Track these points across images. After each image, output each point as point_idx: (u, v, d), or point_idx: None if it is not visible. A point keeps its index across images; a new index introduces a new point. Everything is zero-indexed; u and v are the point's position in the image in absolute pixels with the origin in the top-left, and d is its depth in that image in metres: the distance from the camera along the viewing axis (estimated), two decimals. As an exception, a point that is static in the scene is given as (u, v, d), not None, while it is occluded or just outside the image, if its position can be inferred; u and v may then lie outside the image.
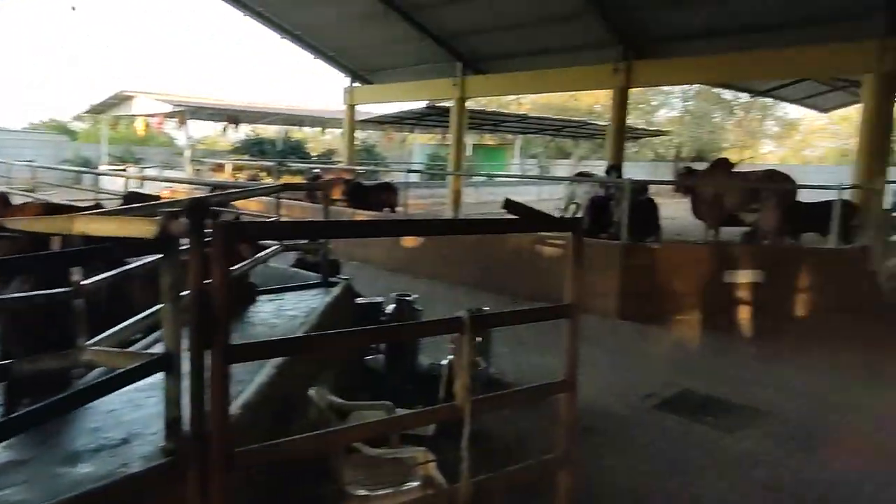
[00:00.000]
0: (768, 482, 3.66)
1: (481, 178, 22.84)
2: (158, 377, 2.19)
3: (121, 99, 23.79)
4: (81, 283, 2.28)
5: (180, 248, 2.03)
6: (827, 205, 8.20)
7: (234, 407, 2.40)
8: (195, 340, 1.92)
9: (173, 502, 1.96)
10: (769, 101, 29.83)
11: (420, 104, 20.12)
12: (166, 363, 2.10)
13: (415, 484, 2.54)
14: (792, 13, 10.44)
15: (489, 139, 31.48)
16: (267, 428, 2.59)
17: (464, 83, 15.78)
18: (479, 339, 4.38)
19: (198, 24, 77.96)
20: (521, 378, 5.23)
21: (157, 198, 7.11)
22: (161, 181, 14.19)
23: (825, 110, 21.79)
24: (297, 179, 19.26)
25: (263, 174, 18.14)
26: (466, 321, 2.44)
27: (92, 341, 2.28)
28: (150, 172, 18.26)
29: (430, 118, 22.15)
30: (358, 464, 2.61)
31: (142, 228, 2.12)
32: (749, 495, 3.54)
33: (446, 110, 17.86)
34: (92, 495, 1.79)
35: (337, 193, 13.59)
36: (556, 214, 13.41)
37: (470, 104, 18.02)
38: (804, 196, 10.27)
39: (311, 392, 2.76)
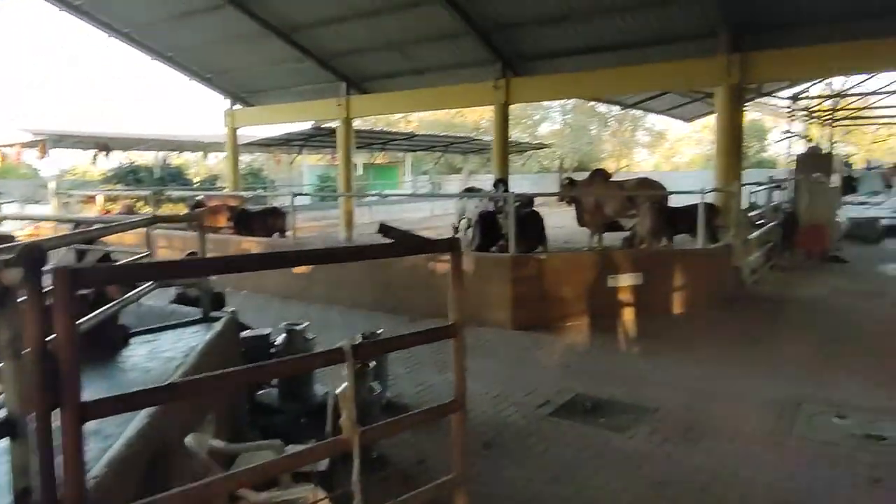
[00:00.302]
0: (657, 477, 3.84)
1: (374, 198, 22.75)
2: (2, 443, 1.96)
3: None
4: None
5: (17, 299, 1.84)
6: (694, 208, 8.86)
7: (99, 467, 2.19)
8: (39, 401, 1.73)
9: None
10: (639, 112, 31.99)
11: (306, 125, 19.78)
12: (10, 429, 1.88)
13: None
14: (651, 32, 11.29)
15: (380, 158, 31.48)
16: (139, 485, 2.38)
17: (348, 103, 15.71)
18: (372, 363, 4.31)
19: (58, 47, 72.52)
20: (420, 398, 5.20)
21: (11, 238, 6.45)
22: (19, 220, 12.95)
23: (688, 120, 23.65)
24: (179, 207, 18.27)
25: (140, 204, 17.05)
26: (348, 350, 2.38)
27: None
28: (8, 209, 16.62)
29: (318, 139, 21.82)
30: (244, 512, 2.45)
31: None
32: (640, 493, 3.69)
33: (333, 131, 17.68)
34: None
35: (222, 221, 13.00)
36: (451, 230, 13.60)
37: (357, 123, 17.94)
38: (675, 200, 11.05)
39: (189, 439, 2.57)
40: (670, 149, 47.97)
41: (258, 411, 4.54)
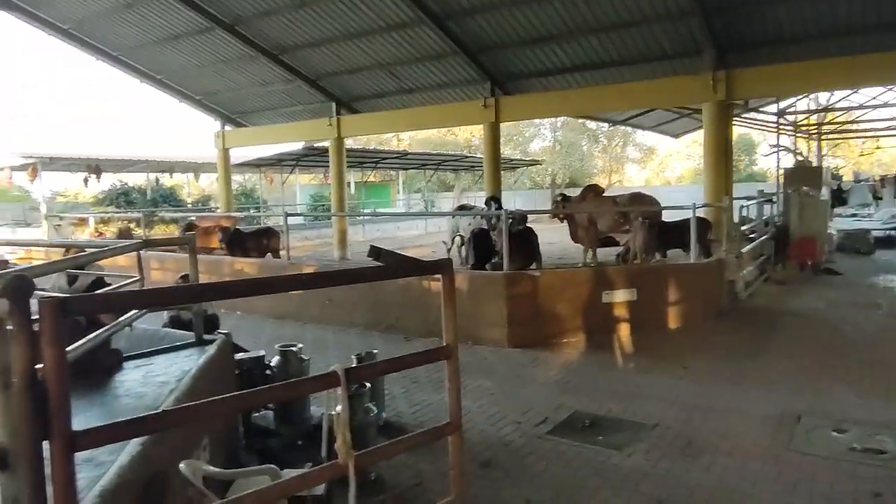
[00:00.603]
0: (656, 495, 3.80)
1: (367, 216, 22.76)
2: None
3: (-41, 153, 21.53)
4: None
5: (4, 329, 1.81)
6: (687, 222, 8.90)
7: (91, 497, 2.15)
8: (29, 432, 1.70)
9: None
10: (629, 128, 32.27)
11: (298, 145, 19.83)
12: (0, 460, 1.85)
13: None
14: (637, 51, 11.44)
15: (372, 176, 31.60)
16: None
17: (339, 122, 15.79)
18: (368, 385, 4.28)
19: (45, 71, 72.58)
20: (417, 418, 5.16)
21: (5, 263, 6.40)
22: (9, 245, 12.88)
23: (676, 135, 23.87)
24: (172, 229, 18.19)
25: (133, 225, 16.98)
26: (341, 374, 2.36)
27: None
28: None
29: (310, 158, 21.88)
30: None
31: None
32: (640, 510, 3.65)
33: (325, 150, 17.75)
34: None
35: (215, 242, 12.96)
36: (443, 248, 13.61)
37: (349, 142, 18.01)
38: (667, 215, 11.11)
39: (183, 466, 2.53)
40: (661, 164, 48.38)
41: (254, 434, 4.49)
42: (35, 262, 8.66)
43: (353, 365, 3.93)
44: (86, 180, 22.85)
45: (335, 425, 2.37)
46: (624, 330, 7.75)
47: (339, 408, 2.40)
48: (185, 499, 2.54)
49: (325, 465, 2.32)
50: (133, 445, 2.53)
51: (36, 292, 1.99)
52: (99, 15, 13.82)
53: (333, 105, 15.71)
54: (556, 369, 6.57)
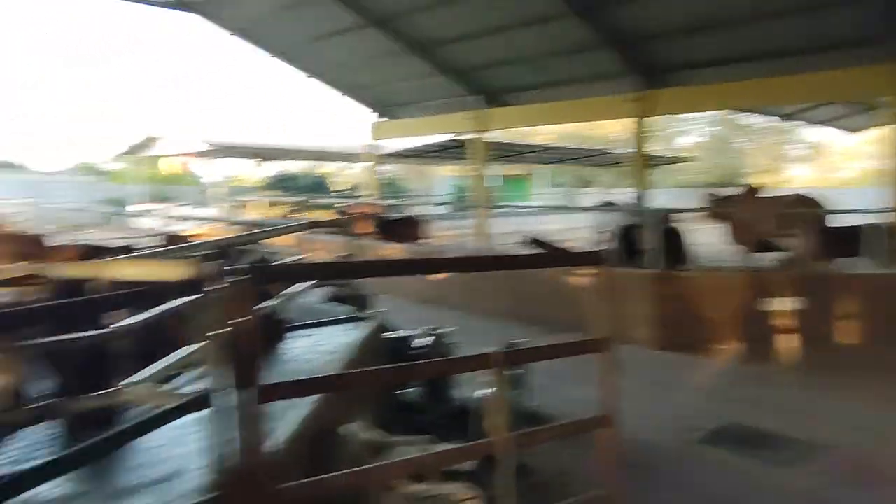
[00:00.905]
0: (827, 521, 3.47)
1: (507, 209, 22.85)
2: (197, 414, 2.17)
3: (151, 140, 24.46)
4: (117, 325, 2.28)
5: (210, 289, 2.04)
6: (857, 228, 7.98)
7: (273, 443, 2.36)
8: (230, 380, 1.90)
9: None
10: (791, 123, 29.49)
11: (442, 137, 20.32)
12: (204, 402, 2.08)
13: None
14: (811, 38, 10.36)
15: (517, 170, 31.61)
16: (305, 464, 2.53)
17: (482, 116, 15.91)
18: (518, 371, 4.29)
19: (226, 66, 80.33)
20: (562, 411, 5.08)
21: (189, 238, 7.20)
22: (194, 220, 14.42)
23: (853, 131, 21.45)
24: (322, 214, 19.45)
25: (286, 210, 18.40)
26: (499, 357, 2.40)
27: (129, 381, 2.27)
28: (182, 211, 18.62)
29: (452, 150, 22.30)
30: (398, 501, 2.52)
31: (172, 272, 2.13)
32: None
33: (468, 142, 18.02)
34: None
35: (366, 228, 13.68)
36: (594, 241, 13.30)
37: (490, 136, 18.13)
38: (840, 220, 10.04)
39: (349, 428, 2.70)
40: (830, 163, 43.76)
41: (402, 409, 4.68)
42: (211, 238, 9.67)
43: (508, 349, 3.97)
44: (257, 165, 25.04)
45: (487, 406, 2.42)
46: (785, 341, 7.11)
47: (492, 390, 2.43)
48: (346, 458, 2.70)
49: (482, 442, 2.37)
50: (304, 405, 2.74)
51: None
52: (264, 16, 15.01)
53: (477, 98, 15.87)
54: (708, 376, 6.19)
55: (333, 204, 17.75)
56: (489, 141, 17.60)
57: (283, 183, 28.32)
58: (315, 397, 2.78)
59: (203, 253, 1.97)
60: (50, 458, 2.08)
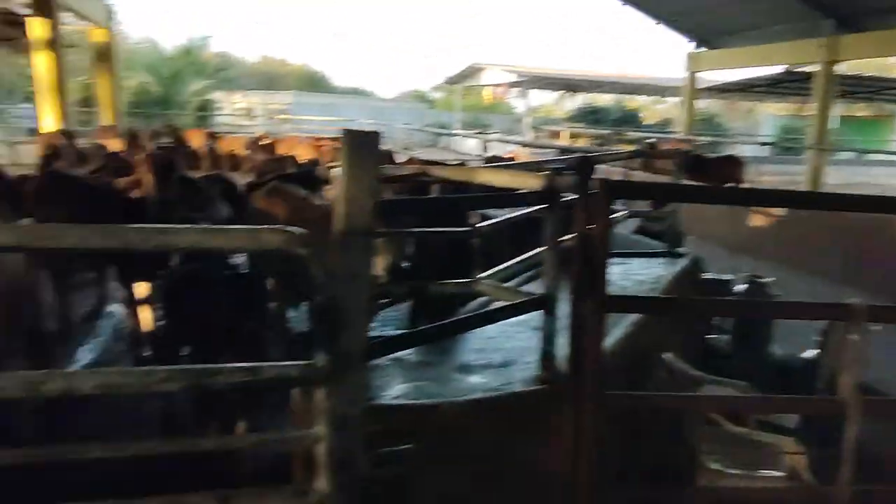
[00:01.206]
0: None
1: (849, 156, 19.40)
2: (526, 316, 2.42)
3: (472, 71, 26.34)
4: (478, 225, 2.63)
5: (563, 201, 2.19)
6: None
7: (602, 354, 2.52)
8: (577, 287, 2.05)
9: (545, 426, 2.16)
10: None
11: (773, 69, 17.83)
12: (546, 303, 2.30)
13: (778, 474, 2.34)
14: None
15: (862, 110, 26.43)
16: (622, 380, 2.65)
17: (834, 43, 13.40)
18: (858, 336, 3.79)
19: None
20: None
21: (509, 159, 7.72)
22: (511, 145, 15.38)
23: None
24: (630, 148, 19.00)
25: (600, 142, 18.36)
26: (862, 309, 2.14)
27: (482, 276, 2.62)
28: (497, 137, 19.97)
29: (785, 85, 19.51)
30: (714, 438, 2.51)
31: (532, 182, 2.34)
32: None
33: (808, 76, 15.51)
34: (487, 401, 2.09)
35: (668, 165, 12.99)
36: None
37: (842, 68, 15.27)
38: None
39: (667, 356, 2.74)
40: None
41: (709, 354, 4.52)
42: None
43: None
44: (561, 97, 25.41)
45: (839, 362, 2.21)
46: None
47: (852, 341, 2.20)
48: (664, 383, 2.75)
49: (824, 398, 2.20)
50: (626, 325, 2.84)
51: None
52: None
53: (828, 23, 13.40)
54: None
55: (643, 139, 17.15)
56: (839, 74, 14.90)
57: (590, 115, 28.21)
58: (633, 321, 2.85)
59: (559, 167, 2.12)
60: (414, 330, 2.53)
